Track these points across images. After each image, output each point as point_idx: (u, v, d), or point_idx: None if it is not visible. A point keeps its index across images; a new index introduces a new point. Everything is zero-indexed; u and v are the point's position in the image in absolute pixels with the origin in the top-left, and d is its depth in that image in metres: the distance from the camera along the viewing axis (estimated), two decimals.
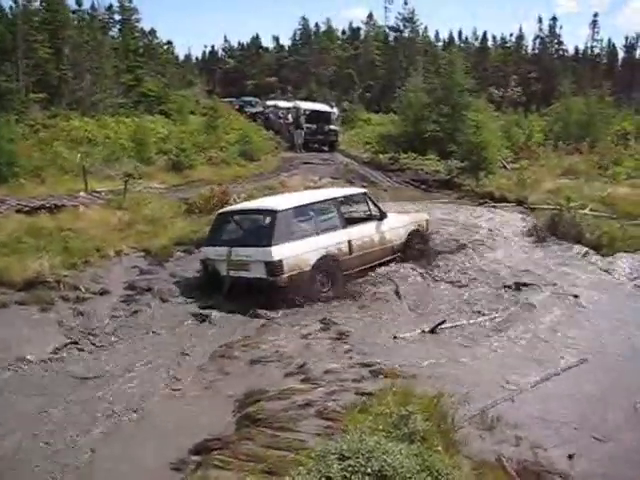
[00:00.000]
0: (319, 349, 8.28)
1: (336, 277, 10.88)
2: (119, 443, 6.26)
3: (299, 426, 6.00)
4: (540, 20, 75.84)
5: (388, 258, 12.17)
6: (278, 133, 34.31)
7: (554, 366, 7.65)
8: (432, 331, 8.86)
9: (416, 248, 12.72)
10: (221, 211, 12.31)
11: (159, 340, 9.10)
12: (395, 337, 8.62)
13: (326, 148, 32.36)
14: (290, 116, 32.82)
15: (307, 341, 8.58)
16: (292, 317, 9.65)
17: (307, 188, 18.92)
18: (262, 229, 10.96)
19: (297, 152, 30.46)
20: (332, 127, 32.63)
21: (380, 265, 11.93)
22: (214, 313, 9.93)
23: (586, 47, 74.58)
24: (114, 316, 10.01)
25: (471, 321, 9.40)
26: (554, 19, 75.88)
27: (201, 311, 10.16)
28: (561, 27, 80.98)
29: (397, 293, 10.70)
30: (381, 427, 5.28)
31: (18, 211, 14.86)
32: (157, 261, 12.57)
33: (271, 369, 7.75)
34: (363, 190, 13.20)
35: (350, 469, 4.32)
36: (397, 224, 12.49)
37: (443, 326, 8.99)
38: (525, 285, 10.85)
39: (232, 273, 10.63)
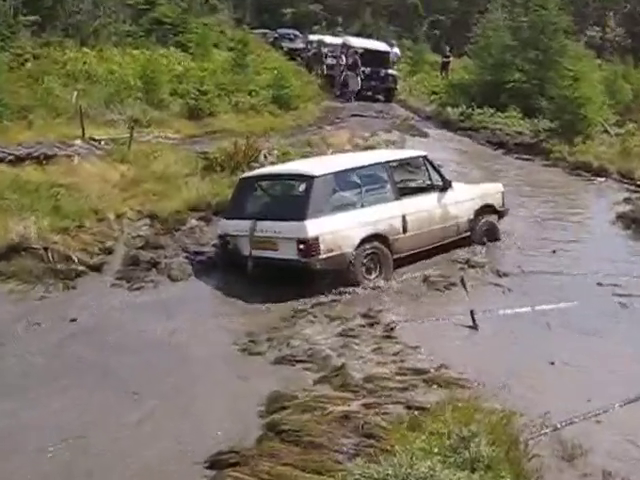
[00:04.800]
0: (361, 349, 8.31)
1: (386, 261, 10.91)
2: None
3: (334, 443, 6.04)
4: None
5: (452, 239, 12.15)
6: (323, 76, 34.04)
7: None
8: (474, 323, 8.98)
9: (487, 228, 12.71)
10: (244, 176, 12.40)
11: (164, 325, 9.32)
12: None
13: (381, 97, 32.14)
14: (343, 56, 32.55)
15: (347, 338, 8.62)
16: (329, 308, 9.72)
17: (355, 147, 18.89)
18: (295, 199, 11.05)
19: (348, 101, 30.31)
20: (390, 71, 32.35)
21: (442, 248, 11.95)
22: (233, 299, 10.08)
23: None
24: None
25: (537, 307, 9.53)
26: None
27: (218, 295, 10.31)
28: None
29: (462, 282, 10.71)
30: (436, 450, 5.32)
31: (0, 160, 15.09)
32: (167, 229, 12.67)
33: (302, 370, 7.84)
34: (422, 152, 13.04)
35: None
36: (464, 197, 12.42)
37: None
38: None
39: (256, 253, 10.70)
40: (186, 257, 11.70)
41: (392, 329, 8.88)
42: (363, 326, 9.03)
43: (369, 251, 10.72)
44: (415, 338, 8.65)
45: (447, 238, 12.07)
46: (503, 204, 13.18)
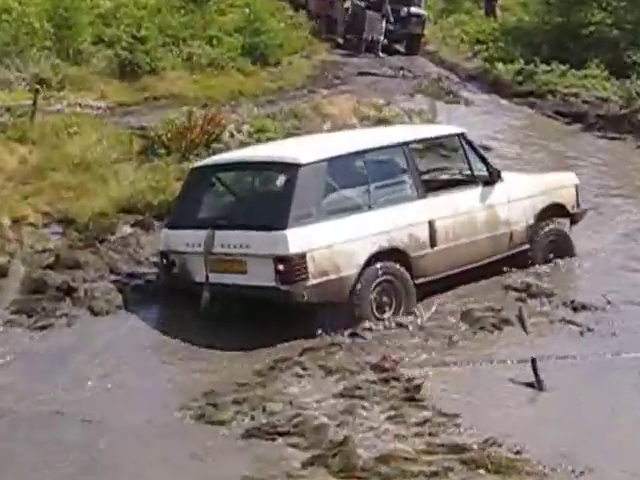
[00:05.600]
0: (372, 416, 8.33)
1: (405, 289, 10.92)
2: None
3: None
4: None
5: (503, 255, 12.19)
6: (322, 17, 33.92)
7: None
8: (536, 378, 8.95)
9: (555, 238, 12.74)
10: (198, 165, 12.46)
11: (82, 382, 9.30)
12: None
13: (401, 47, 32.24)
14: None
15: (351, 400, 8.63)
16: (325, 356, 9.75)
17: (362, 121, 18.94)
18: (271, 198, 11.15)
19: (362, 56, 30.40)
20: (414, 10, 32.41)
21: (488, 268, 12.00)
22: (183, 342, 10.11)
23: None
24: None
25: (628, 355, 9.61)
26: None
27: (159, 336, 10.34)
28: None
29: (520, 318, 10.73)
30: None
31: None
32: (87, 240, 12.69)
33: (284, 447, 7.82)
34: (458, 129, 12.98)
35: None
36: (521, 193, 12.47)
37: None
38: None
39: (215, 277, 10.69)
40: (115, 281, 11.71)
41: (417, 387, 8.88)
42: (375, 382, 9.04)
43: (382, 278, 10.69)
44: (450, 400, 8.68)
45: (496, 253, 12.11)
46: (578, 203, 13.20)
